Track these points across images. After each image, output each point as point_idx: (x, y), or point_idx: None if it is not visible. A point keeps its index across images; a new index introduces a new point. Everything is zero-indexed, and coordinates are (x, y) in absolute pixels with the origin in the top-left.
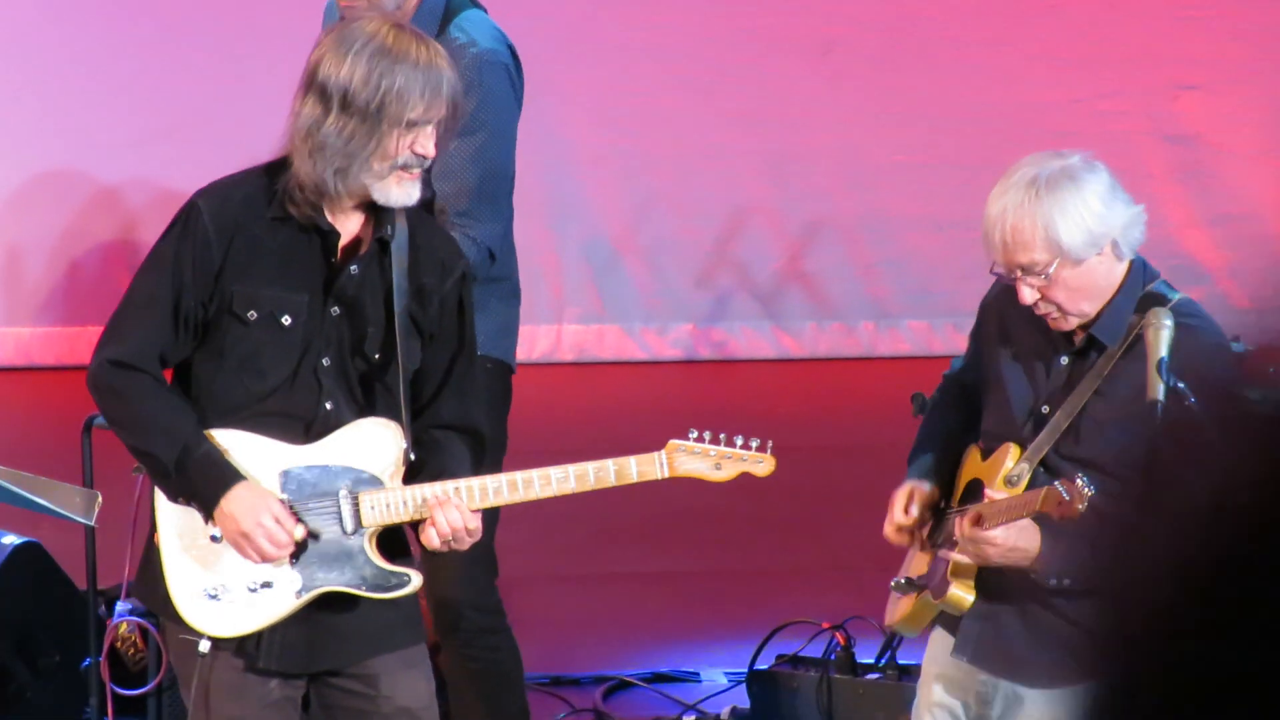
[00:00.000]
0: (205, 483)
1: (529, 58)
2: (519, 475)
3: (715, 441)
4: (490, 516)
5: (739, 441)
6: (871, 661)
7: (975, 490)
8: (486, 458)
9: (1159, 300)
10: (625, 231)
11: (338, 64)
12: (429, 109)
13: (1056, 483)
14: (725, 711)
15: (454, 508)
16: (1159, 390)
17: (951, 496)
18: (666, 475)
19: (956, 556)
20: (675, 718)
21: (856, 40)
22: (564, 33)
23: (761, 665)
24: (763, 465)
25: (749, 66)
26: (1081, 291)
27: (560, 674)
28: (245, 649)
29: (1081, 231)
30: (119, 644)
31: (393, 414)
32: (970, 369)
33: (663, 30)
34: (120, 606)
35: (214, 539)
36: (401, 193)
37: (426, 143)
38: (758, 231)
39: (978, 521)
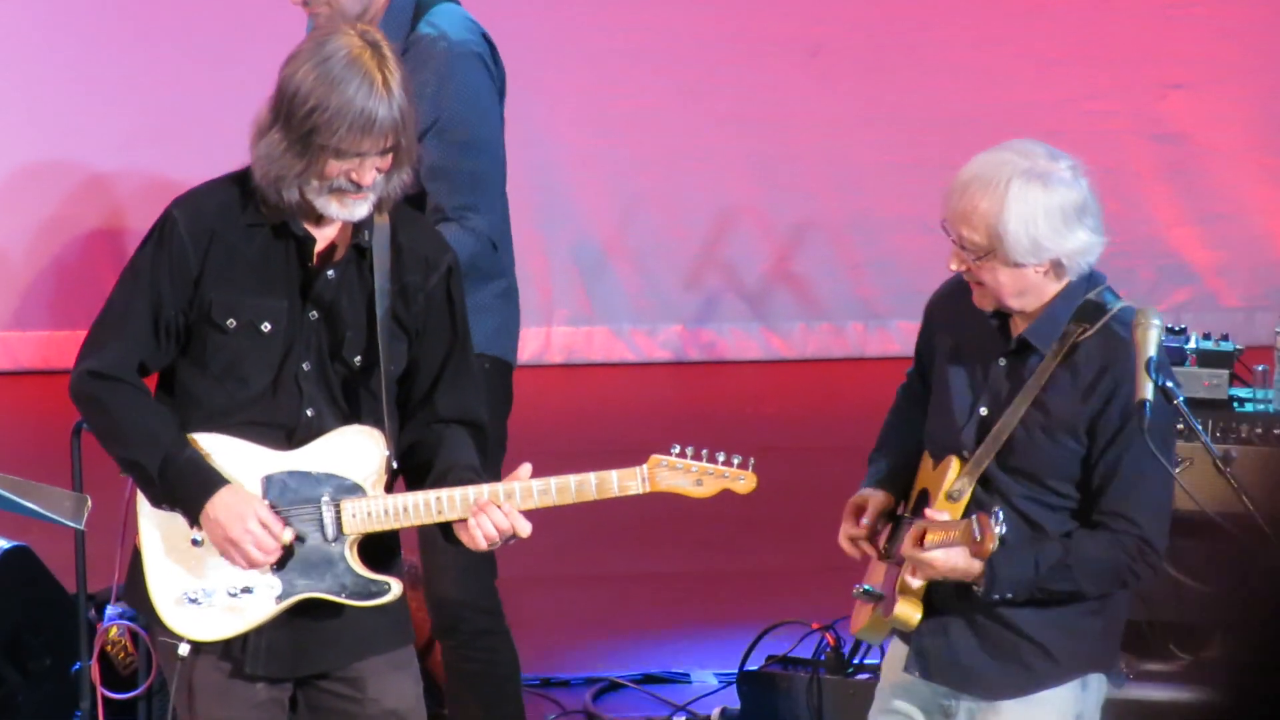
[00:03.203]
0: (189, 488)
1: (516, 60)
2: (500, 487)
3: (698, 457)
4: None
5: (721, 457)
6: (861, 661)
7: (924, 499)
8: (489, 450)
9: (1099, 309)
10: (614, 233)
11: (293, 74)
12: (357, 143)
13: (974, 518)
14: (715, 712)
15: (497, 509)
16: (1148, 390)
17: (908, 501)
18: (647, 490)
19: (903, 575)
20: (665, 718)
21: (844, 41)
22: (551, 35)
23: (752, 666)
24: (743, 483)
25: (736, 68)
26: (1008, 288)
27: (550, 675)
28: (230, 652)
29: (1028, 239)
30: (109, 648)
31: (377, 420)
32: (917, 369)
33: (650, 32)
34: (110, 610)
35: (195, 543)
36: (343, 210)
37: (364, 172)
38: (746, 233)
39: (920, 541)
